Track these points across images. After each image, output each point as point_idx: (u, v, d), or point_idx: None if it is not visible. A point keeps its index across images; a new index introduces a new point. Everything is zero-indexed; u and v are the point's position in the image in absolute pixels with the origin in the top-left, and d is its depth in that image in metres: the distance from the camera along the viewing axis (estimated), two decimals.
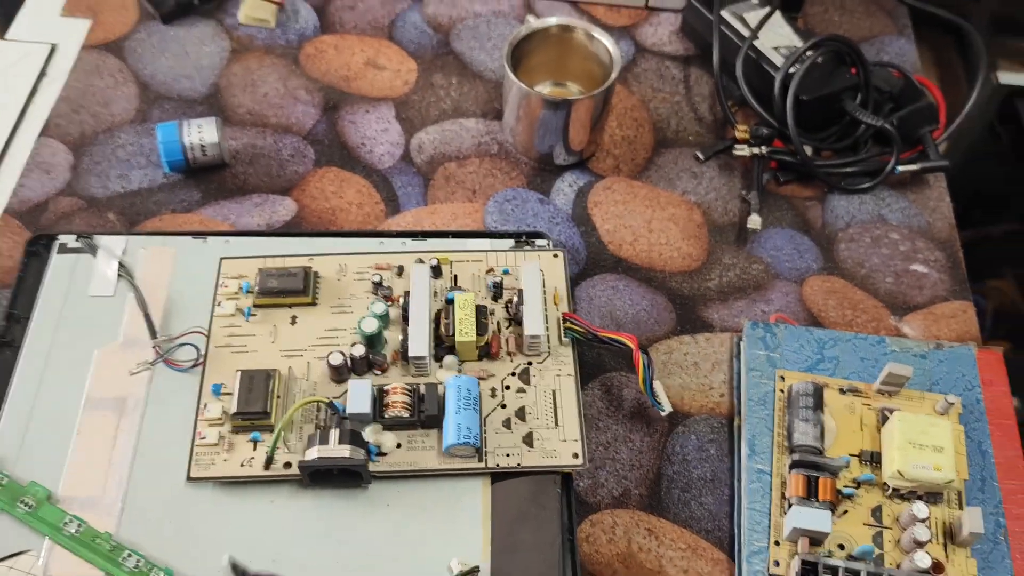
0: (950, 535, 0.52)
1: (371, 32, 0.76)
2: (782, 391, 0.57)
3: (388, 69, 0.74)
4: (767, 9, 0.73)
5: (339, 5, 0.78)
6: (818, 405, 0.55)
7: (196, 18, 0.75)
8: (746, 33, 0.72)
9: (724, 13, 0.73)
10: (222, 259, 0.60)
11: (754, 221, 0.67)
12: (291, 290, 0.57)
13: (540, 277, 0.58)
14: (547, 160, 0.69)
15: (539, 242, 0.63)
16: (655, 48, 0.77)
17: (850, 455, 0.55)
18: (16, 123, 0.68)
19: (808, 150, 0.69)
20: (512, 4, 0.79)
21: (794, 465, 0.53)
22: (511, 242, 0.63)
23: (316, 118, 0.71)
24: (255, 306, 0.58)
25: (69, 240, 0.60)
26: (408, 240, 0.63)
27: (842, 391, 0.57)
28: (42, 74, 0.71)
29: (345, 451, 0.49)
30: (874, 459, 0.55)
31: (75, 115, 0.69)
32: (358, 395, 0.52)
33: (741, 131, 0.69)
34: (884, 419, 0.56)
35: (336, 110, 0.71)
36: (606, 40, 0.65)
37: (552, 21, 0.66)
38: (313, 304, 0.58)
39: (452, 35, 0.77)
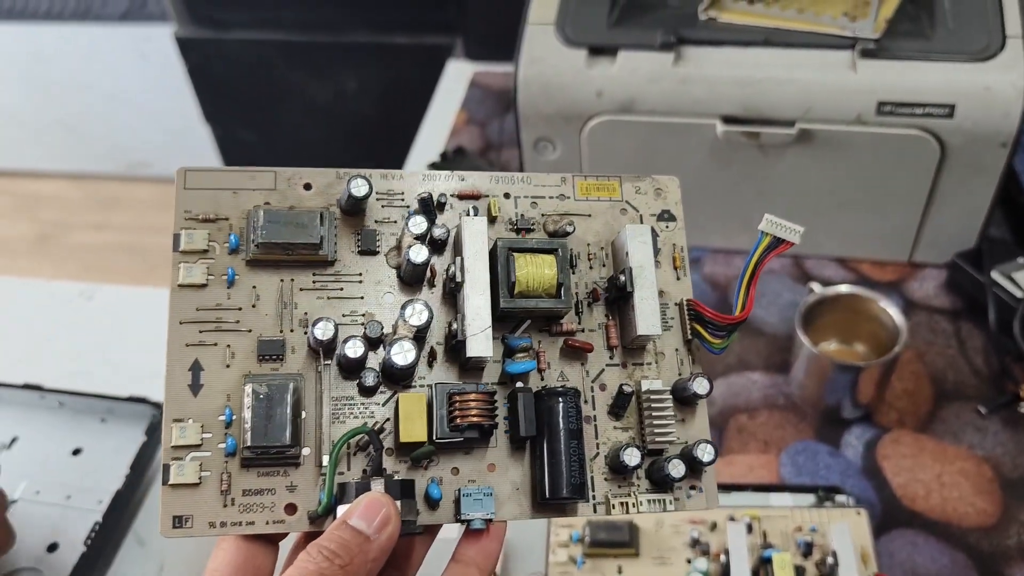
0: None
1: None
2: None
3: None
4: None
5: None
6: None
7: None
8: (1017, 293, 0.76)
9: (993, 274, 0.78)
10: None
11: None
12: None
13: (850, 539, 0.62)
14: (833, 413, 0.74)
15: (839, 498, 0.68)
16: (923, 302, 0.83)
17: None
18: None
19: None
20: (783, 263, 0.87)
21: None
22: (811, 496, 0.68)
23: None
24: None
25: None
26: None
27: None
28: None
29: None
30: None
31: None
32: None
33: None
34: None
35: None
36: (891, 309, 0.71)
37: (843, 289, 0.73)
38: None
39: (730, 292, 0.85)
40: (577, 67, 0.78)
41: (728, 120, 0.77)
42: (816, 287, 0.76)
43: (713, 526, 0.66)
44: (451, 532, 0.41)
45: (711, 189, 0.83)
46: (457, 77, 1.11)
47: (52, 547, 0.69)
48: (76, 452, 0.76)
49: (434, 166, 0.98)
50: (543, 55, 0.79)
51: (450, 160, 0.99)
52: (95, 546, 0.69)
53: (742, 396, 0.77)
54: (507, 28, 0.84)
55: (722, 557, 0.63)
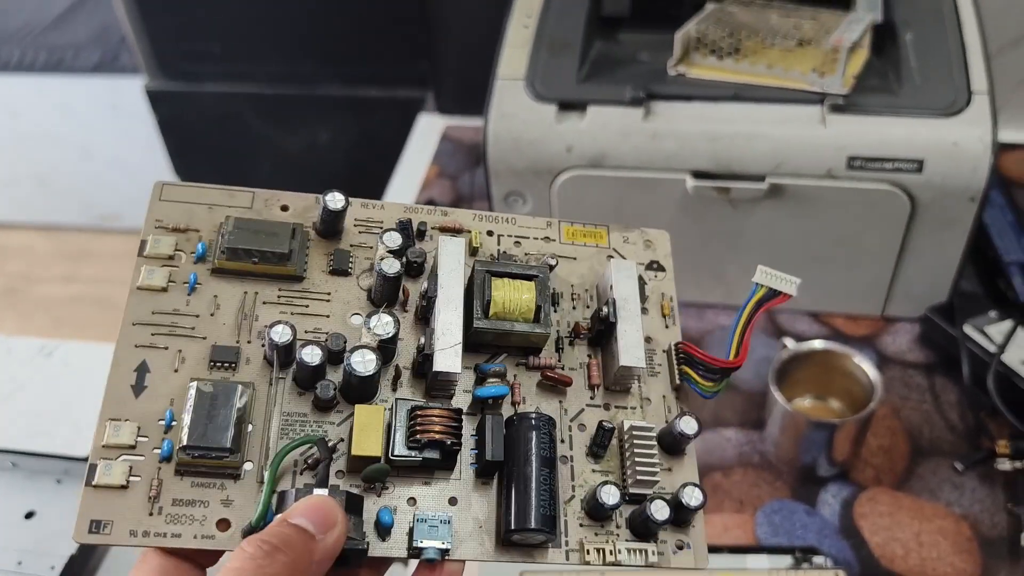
0: None
1: None
2: None
3: None
4: (1008, 323, 0.77)
5: None
6: None
7: None
8: (989, 347, 0.76)
9: (965, 328, 0.78)
10: None
11: None
12: None
13: None
14: (809, 471, 0.73)
15: (816, 559, 0.66)
16: (897, 357, 0.82)
17: None
18: None
19: None
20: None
21: None
22: (788, 558, 0.66)
23: None
24: None
25: None
26: None
27: None
28: None
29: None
30: None
31: None
32: None
33: (1002, 446, 0.72)
34: None
35: None
36: (866, 364, 0.71)
37: (817, 345, 0.73)
38: None
39: (703, 346, 0.84)
40: (547, 122, 0.78)
41: (698, 175, 0.77)
42: (790, 343, 0.75)
43: None
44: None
45: (682, 244, 0.81)
46: (428, 131, 1.11)
47: None
48: (29, 515, 0.73)
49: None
50: (513, 110, 0.78)
51: None
52: None
53: (716, 454, 0.76)
54: (478, 82, 0.84)
55: None
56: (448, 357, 0.38)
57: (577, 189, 0.79)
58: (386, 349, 0.38)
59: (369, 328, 0.38)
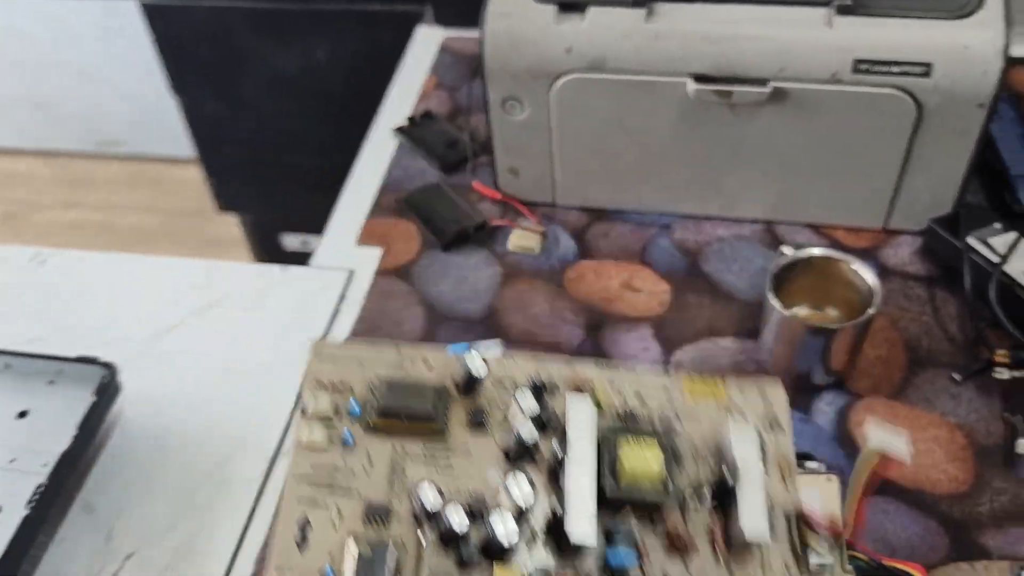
0: None
1: (625, 257, 0.83)
2: None
3: (644, 291, 0.81)
4: (1013, 235, 0.76)
5: (595, 233, 0.86)
6: None
7: (471, 246, 0.85)
8: (993, 258, 0.75)
9: (969, 239, 0.76)
10: None
11: (1022, 446, 0.67)
12: None
13: (819, 505, 0.61)
14: (805, 380, 0.72)
15: (809, 464, 0.66)
16: (898, 268, 0.81)
17: None
18: None
19: None
20: (753, 229, 0.85)
21: None
22: None
23: (581, 338, 0.77)
24: None
25: None
26: None
27: None
28: (342, 297, 0.81)
29: None
30: None
31: (372, 334, 0.78)
32: None
33: (1000, 355, 0.71)
34: None
35: (599, 329, 0.78)
36: (865, 271, 0.70)
37: (815, 251, 0.71)
38: None
39: (700, 258, 0.83)
40: (546, 22, 0.76)
41: (700, 79, 0.75)
42: (788, 250, 0.74)
43: None
44: None
45: (682, 152, 0.81)
46: (426, 42, 1.09)
47: None
48: (22, 415, 0.73)
49: (401, 130, 0.96)
50: (511, 9, 0.76)
51: (418, 124, 0.96)
52: (38, 509, 0.66)
53: (710, 363, 0.75)
54: None
55: None
56: (582, 526, 0.41)
57: (576, 93, 0.78)
58: (522, 512, 0.43)
59: (508, 493, 0.42)
